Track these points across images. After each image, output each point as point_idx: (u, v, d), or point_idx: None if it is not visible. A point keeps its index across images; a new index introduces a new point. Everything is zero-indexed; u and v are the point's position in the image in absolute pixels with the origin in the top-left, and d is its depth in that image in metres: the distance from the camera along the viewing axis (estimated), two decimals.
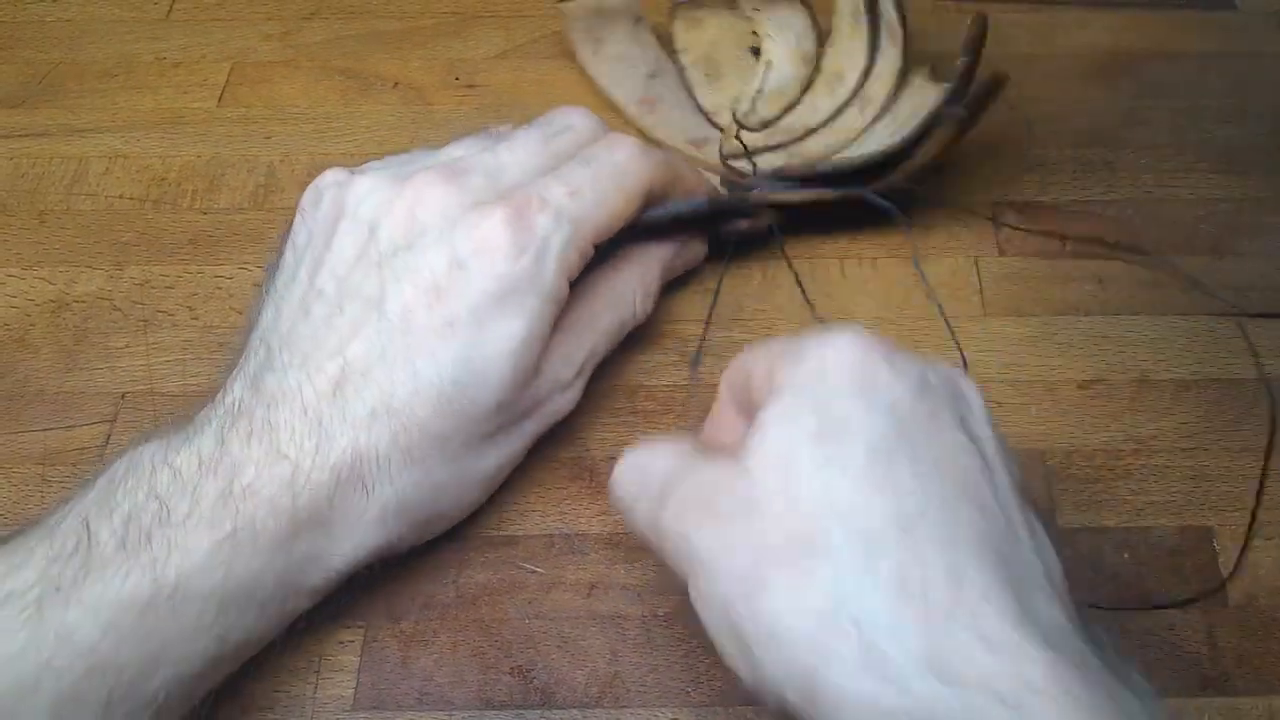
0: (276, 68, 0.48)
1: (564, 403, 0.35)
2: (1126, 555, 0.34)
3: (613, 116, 0.45)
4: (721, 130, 0.44)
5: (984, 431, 0.27)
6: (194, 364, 0.39)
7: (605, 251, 0.35)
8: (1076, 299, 0.40)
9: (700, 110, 0.45)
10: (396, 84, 0.48)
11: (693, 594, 0.27)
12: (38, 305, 0.40)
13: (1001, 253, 0.41)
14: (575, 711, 0.31)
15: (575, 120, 0.37)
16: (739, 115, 0.43)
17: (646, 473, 0.29)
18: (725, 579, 0.26)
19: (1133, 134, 0.45)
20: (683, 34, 0.46)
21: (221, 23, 0.50)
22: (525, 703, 0.31)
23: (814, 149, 0.42)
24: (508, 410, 0.32)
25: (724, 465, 0.27)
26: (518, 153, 0.35)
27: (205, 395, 0.38)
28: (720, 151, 0.42)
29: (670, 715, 0.31)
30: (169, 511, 0.28)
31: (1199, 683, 0.31)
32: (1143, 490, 0.35)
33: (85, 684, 0.26)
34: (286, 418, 0.30)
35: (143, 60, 0.49)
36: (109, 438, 0.37)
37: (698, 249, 0.40)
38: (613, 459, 0.36)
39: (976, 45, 0.37)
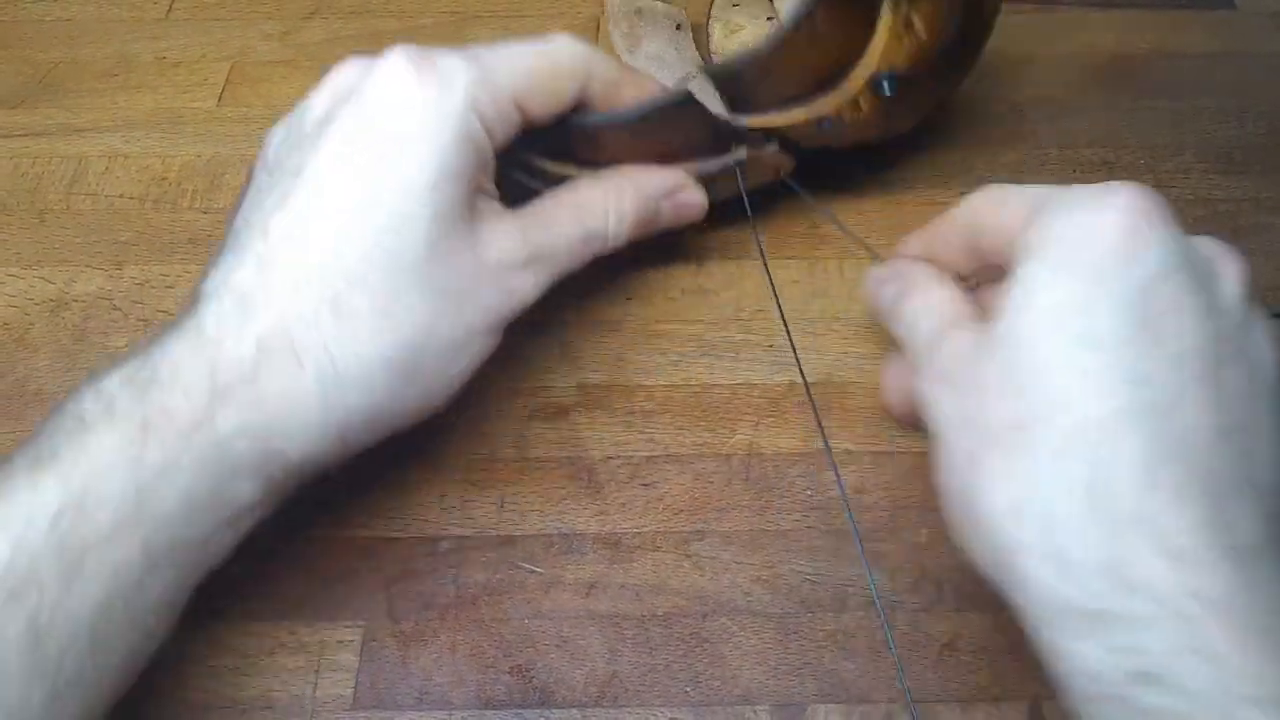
0: (276, 67, 0.48)
1: (518, 284, 0.32)
2: None
3: None
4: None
5: (1239, 313, 0.27)
6: None
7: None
8: None
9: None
10: None
11: (931, 459, 0.29)
12: (38, 305, 0.40)
13: None
14: (574, 711, 0.31)
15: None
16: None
17: (915, 330, 0.31)
18: (954, 452, 0.28)
19: (1133, 134, 0.45)
20: (720, 38, 0.46)
21: (221, 22, 0.50)
22: (524, 702, 0.31)
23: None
24: (445, 268, 0.30)
25: (972, 334, 0.29)
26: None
27: None
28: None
29: (669, 715, 0.31)
30: (83, 422, 0.27)
31: None
32: None
33: (4, 612, 0.24)
34: (215, 309, 0.28)
35: (143, 60, 0.49)
36: None
37: (691, 195, 0.37)
38: (612, 459, 0.36)
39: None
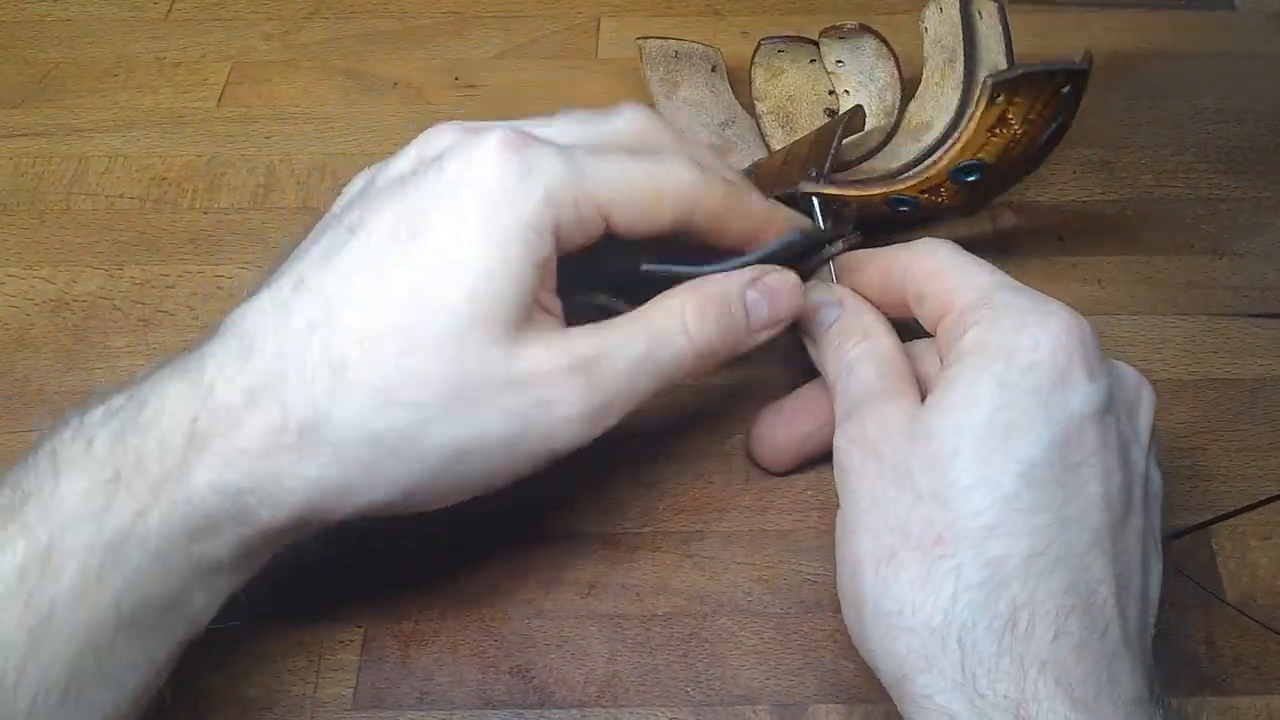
0: (276, 68, 0.48)
1: (557, 395, 0.28)
2: None
3: None
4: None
5: (1141, 464, 0.28)
6: None
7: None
8: (1075, 298, 0.39)
9: None
10: (396, 84, 0.48)
11: (838, 518, 0.29)
12: (38, 305, 0.40)
13: (1001, 252, 0.41)
14: (574, 711, 0.31)
15: (653, 132, 0.31)
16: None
17: (851, 376, 0.30)
18: (867, 530, 0.27)
19: (1133, 134, 0.45)
20: (762, 82, 0.45)
21: (221, 22, 0.50)
22: (524, 702, 0.31)
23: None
24: (466, 364, 0.27)
25: (907, 410, 0.28)
26: (559, 124, 0.31)
27: None
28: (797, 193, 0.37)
29: (669, 715, 0.31)
30: (56, 463, 0.25)
31: (1197, 682, 0.32)
32: None
33: None
34: (220, 349, 0.27)
35: (143, 60, 0.49)
36: None
37: (778, 279, 0.32)
38: (612, 458, 0.36)
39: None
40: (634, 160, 0.29)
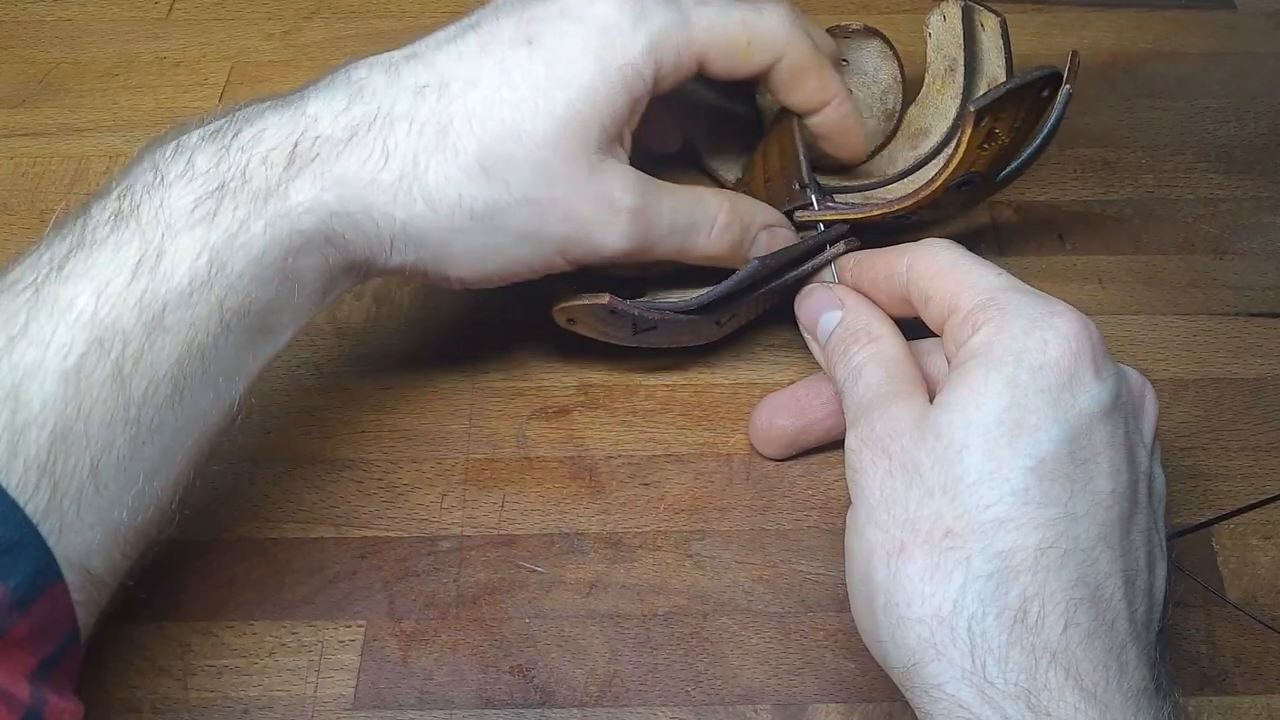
0: (276, 67, 0.48)
1: (612, 224, 0.31)
2: None
3: None
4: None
5: (1146, 464, 0.29)
6: None
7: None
8: (1076, 298, 0.39)
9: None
10: None
11: (849, 516, 0.29)
12: None
13: (1001, 252, 0.41)
14: (575, 710, 0.31)
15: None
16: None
17: (859, 379, 0.31)
18: (877, 526, 0.28)
19: (1133, 134, 0.45)
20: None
21: (221, 22, 0.50)
22: (525, 702, 0.31)
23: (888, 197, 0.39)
24: (560, 167, 0.30)
25: (916, 410, 0.29)
26: None
27: None
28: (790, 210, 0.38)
29: (670, 714, 0.31)
30: (162, 176, 0.27)
31: (1198, 682, 0.32)
32: None
33: (91, 357, 0.25)
34: (326, 90, 0.30)
35: (143, 60, 0.49)
36: None
37: (787, 237, 0.36)
38: (612, 459, 0.36)
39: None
40: (735, 8, 0.33)
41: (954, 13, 0.40)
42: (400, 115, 0.29)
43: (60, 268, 0.26)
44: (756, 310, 0.37)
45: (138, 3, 0.51)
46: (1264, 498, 0.34)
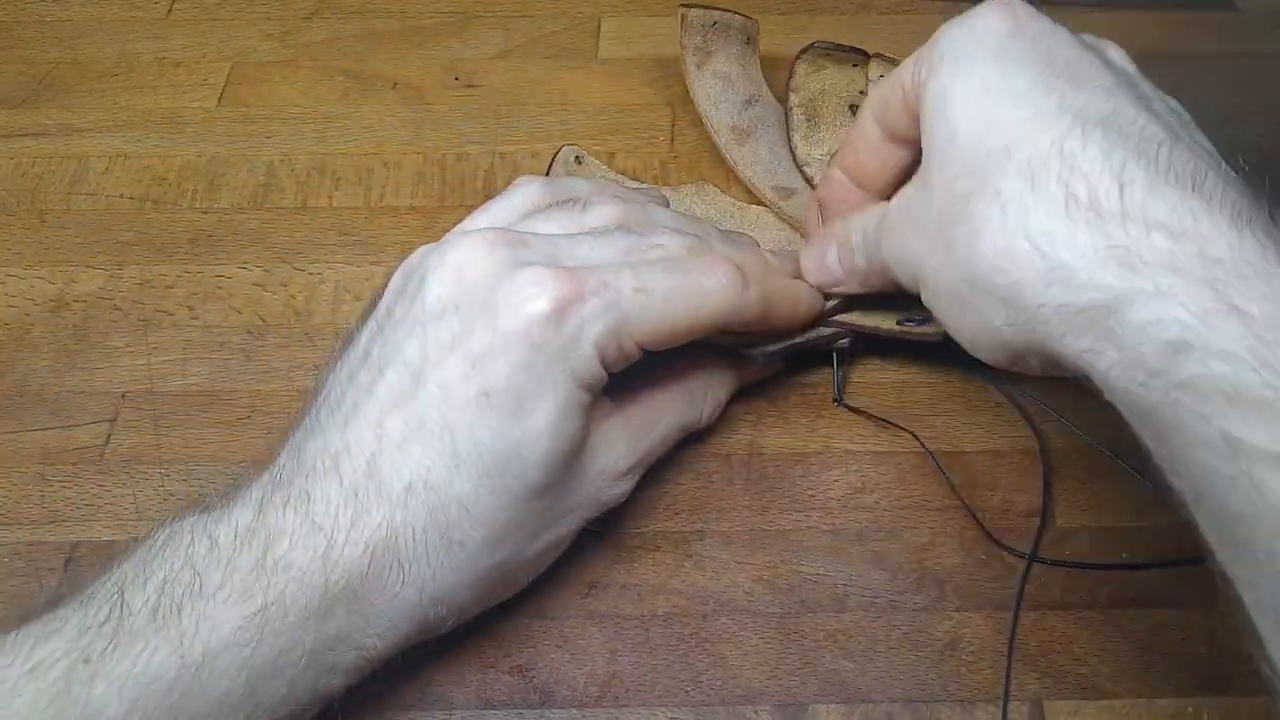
0: (276, 68, 0.48)
1: (614, 494, 0.33)
2: (1126, 555, 0.34)
3: (700, 135, 0.44)
4: (812, 185, 0.41)
5: (1136, 76, 0.31)
6: (194, 364, 0.39)
7: (680, 351, 0.33)
8: None
9: (793, 156, 0.42)
10: (396, 84, 0.48)
11: (926, 298, 0.31)
12: (38, 305, 0.40)
13: None
14: (574, 711, 0.31)
15: (670, 225, 0.35)
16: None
17: (858, 228, 0.33)
18: (933, 262, 0.29)
19: None
20: (801, 74, 0.44)
21: (221, 22, 0.50)
22: (525, 702, 0.31)
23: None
24: (553, 494, 0.31)
25: (908, 185, 0.31)
26: (600, 249, 0.32)
27: (205, 395, 0.38)
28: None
29: (670, 715, 0.31)
30: (201, 583, 0.27)
31: (1198, 682, 0.31)
32: (1142, 490, 0.35)
33: None
34: (323, 489, 0.29)
35: (143, 60, 0.49)
36: (109, 437, 0.37)
37: (775, 364, 0.38)
38: None
39: None
40: (681, 290, 0.32)
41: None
42: (401, 527, 0.29)
43: (90, 659, 0.26)
44: None
45: (137, 3, 0.51)
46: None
